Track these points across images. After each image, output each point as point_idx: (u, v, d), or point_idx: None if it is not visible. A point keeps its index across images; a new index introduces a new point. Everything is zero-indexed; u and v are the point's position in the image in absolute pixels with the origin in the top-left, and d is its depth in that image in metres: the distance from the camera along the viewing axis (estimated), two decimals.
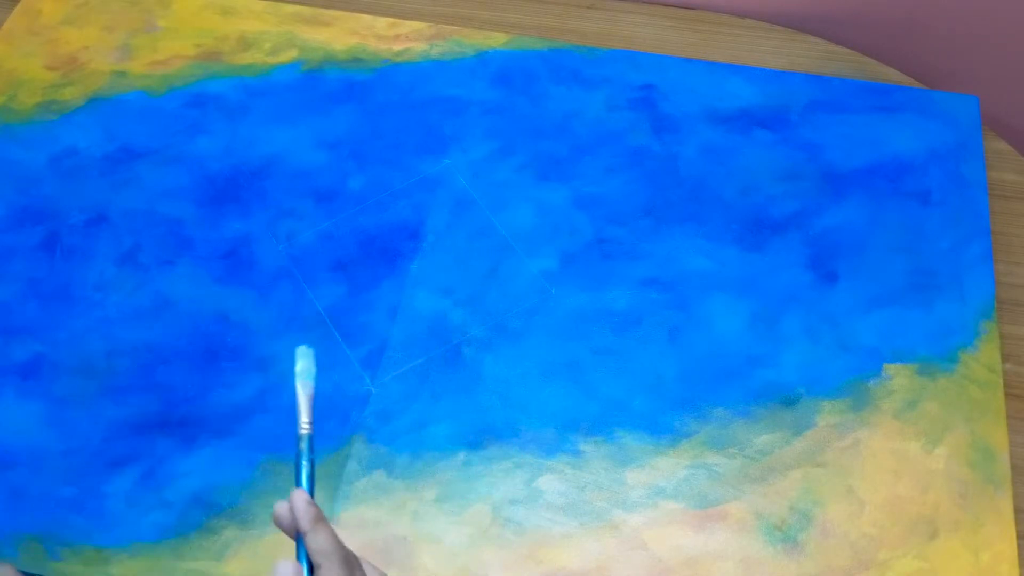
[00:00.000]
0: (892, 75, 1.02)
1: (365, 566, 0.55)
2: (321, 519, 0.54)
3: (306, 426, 0.56)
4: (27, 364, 0.83)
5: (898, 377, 0.82)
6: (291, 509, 0.54)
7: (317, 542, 0.53)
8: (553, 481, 0.77)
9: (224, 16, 1.05)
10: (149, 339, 0.84)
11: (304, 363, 0.57)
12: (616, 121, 0.98)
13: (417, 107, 0.98)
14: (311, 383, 0.57)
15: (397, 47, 1.03)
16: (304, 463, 0.55)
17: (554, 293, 0.87)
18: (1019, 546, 0.75)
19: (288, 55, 1.02)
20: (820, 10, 1.06)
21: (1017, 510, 0.76)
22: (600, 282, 0.88)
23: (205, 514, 0.75)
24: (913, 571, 0.73)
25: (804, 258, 0.89)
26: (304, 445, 0.56)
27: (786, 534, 0.75)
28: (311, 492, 0.55)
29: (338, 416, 0.80)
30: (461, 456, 0.78)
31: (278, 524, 0.54)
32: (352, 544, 0.68)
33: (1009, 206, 0.93)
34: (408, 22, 1.05)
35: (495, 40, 1.03)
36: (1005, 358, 0.84)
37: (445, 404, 0.81)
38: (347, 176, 0.94)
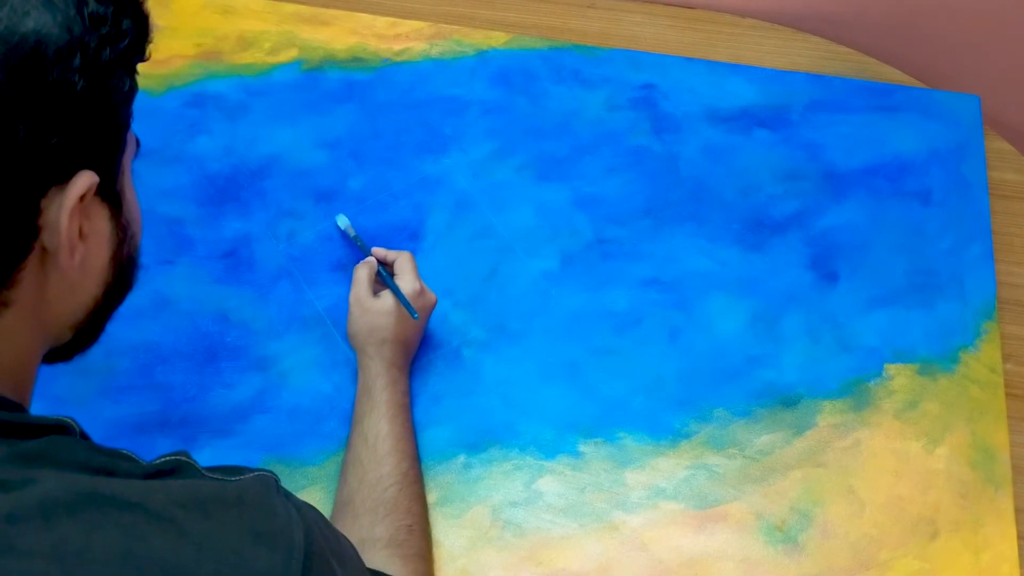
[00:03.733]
0: (893, 75, 1.02)
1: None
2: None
3: (352, 232, 0.87)
4: None
5: (899, 377, 0.82)
6: (372, 258, 0.81)
7: (401, 262, 0.80)
8: (553, 483, 0.77)
9: (224, 15, 1.05)
10: (149, 339, 0.84)
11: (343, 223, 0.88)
12: (616, 121, 0.97)
13: (417, 107, 0.98)
14: (346, 221, 0.88)
15: (397, 46, 1.03)
16: (362, 244, 0.86)
17: (554, 293, 0.87)
18: (1020, 546, 0.75)
19: (288, 54, 1.02)
20: (821, 10, 1.06)
21: (1018, 510, 0.76)
22: (600, 282, 0.87)
23: None
24: (914, 571, 0.73)
25: (805, 258, 0.89)
26: (359, 243, 0.86)
27: (786, 534, 0.75)
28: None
29: (339, 417, 0.80)
30: (461, 459, 0.78)
31: (359, 272, 0.79)
32: None
33: (1010, 206, 0.93)
34: (408, 21, 1.05)
35: (495, 39, 1.03)
36: (1006, 358, 0.84)
37: (445, 406, 0.81)
38: (347, 176, 0.93)
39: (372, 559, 0.65)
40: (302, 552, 0.44)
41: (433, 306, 0.81)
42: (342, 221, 0.88)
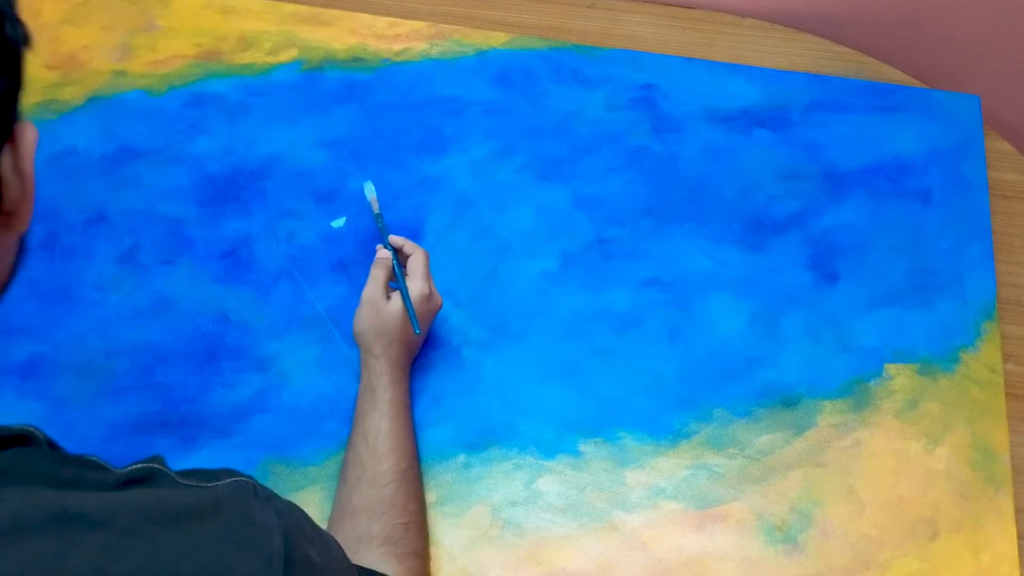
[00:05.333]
0: (893, 75, 1.02)
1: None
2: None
3: (376, 208, 0.85)
4: (27, 364, 0.83)
5: (899, 377, 0.82)
6: (388, 257, 0.80)
7: (414, 262, 0.79)
8: (553, 482, 0.77)
9: (224, 15, 1.05)
10: (149, 339, 0.84)
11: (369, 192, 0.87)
12: (616, 121, 0.97)
13: (417, 107, 0.98)
14: (373, 191, 0.87)
15: (397, 47, 1.03)
16: (382, 225, 0.84)
17: (554, 293, 0.87)
18: (1019, 546, 0.75)
19: (288, 55, 1.02)
20: (821, 10, 1.06)
21: (1018, 510, 0.76)
22: (600, 282, 0.87)
23: None
24: (914, 571, 0.73)
25: (805, 258, 0.89)
26: (380, 223, 0.85)
27: (786, 534, 0.75)
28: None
29: (339, 417, 0.80)
30: (461, 458, 0.78)
31: (377, 272, 0.79)
32: None
33: (1010, 206, 0.93)
34: (408, 21, 1.05)
35: (495, 40, 1.03)
36: (1006, 358, 0.84)
37: (445, 406, 0.81)
38: (347, 176, 0.93)
39: (367, 557, 0.65)
40: (281, 560, 0.44)
41: (438, 310, 0.81)
42: (369, 190, 0.86)
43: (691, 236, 0.90)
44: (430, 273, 0.80)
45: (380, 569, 0.64)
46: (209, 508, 0.44)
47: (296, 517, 0.49)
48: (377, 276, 0.79)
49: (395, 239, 0.82)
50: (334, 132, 0.96)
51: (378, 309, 0.77)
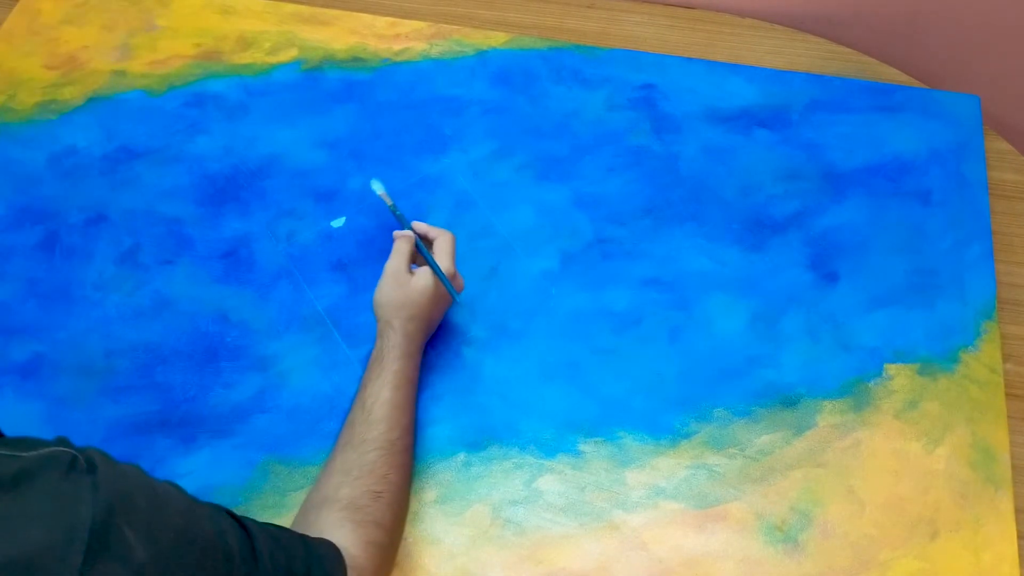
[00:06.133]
0: (893, 75, 1.02)
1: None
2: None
3: (388, 201, 0.85)
4: (27, 364, 0.83)
5: (899, 377, 0.82)
6: (414, 232, 0.80)
7: (441, 242, 0.79)
8: (553, 482, 0.77)
9: (224, 15, 1.05)
10: (149, 339, 0.84)
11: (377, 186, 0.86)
12: (616, 121, 0.97)
13: (417, 107, 0.98)
14: (381, 187, 0.86)
15: (397, 46, 1.03)
16: (399, 214, 0.84)
17: (554, 293, 0.87)
18: (1020, 546, 0.75)
19: (288, 54, 1.02)
20: (821, 10, 1.06)
21: (1018, 510, 0.76)
22: (600, 282, 0.87)
23: None
24: (914, 571, 0.73)
25: (804, 258, 0.89)
26: (397, 213, 0.84)
27: (786, 534, 0.75)
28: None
29: (339, 416, 0.79)
30: (461, 457, 0.78)
31: (401, 245, 0.79)
32: None
33: (1010, 206, 0.93)
34: (408, 21, 1.05)
35: (495, 39, 1.03)
36: (1006, 358, 0.84)
37: (445, 405, 0.81)
38: (347, 176, 0.93)
39: (325, 519, 0.64)
40: (87, 530, 0.42)
41: (460, 291, 0.81)
42: (377, 187, 0.86)
43: (691, 236, 0.90)
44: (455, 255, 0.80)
45: (334, 533, 0.63)
46: (8, 482, 0.42)
47: (124, 487, 0.46)
48: (402, 249, 0.79)
49: (419, 225, 0.82)
50: (334, 132, 0.96)
51: (402, 283, 0.77)
